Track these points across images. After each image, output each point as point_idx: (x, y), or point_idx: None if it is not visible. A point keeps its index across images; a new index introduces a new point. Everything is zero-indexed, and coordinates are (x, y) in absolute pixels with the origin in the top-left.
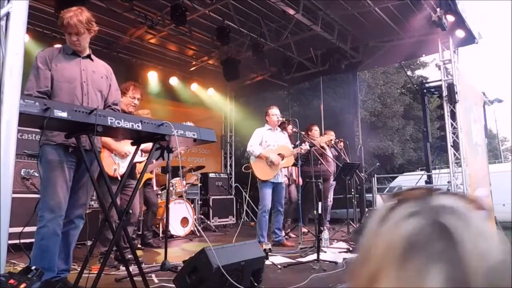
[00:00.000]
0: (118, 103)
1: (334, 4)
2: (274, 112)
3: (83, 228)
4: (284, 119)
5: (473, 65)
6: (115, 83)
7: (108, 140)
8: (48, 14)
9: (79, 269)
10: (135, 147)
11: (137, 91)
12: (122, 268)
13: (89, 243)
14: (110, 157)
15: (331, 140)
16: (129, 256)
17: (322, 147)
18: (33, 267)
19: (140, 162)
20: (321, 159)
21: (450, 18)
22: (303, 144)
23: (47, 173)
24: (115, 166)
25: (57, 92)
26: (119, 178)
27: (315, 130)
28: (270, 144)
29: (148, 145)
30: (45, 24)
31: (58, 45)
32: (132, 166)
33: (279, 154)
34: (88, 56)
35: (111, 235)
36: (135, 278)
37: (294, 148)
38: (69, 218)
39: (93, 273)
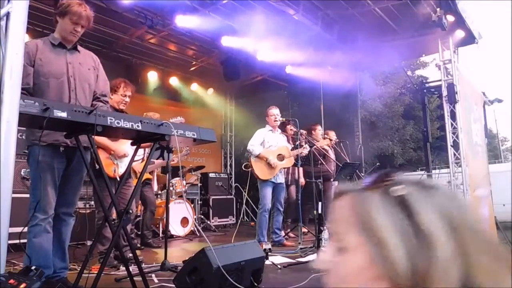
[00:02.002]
0: (106, 95)
1: (334, 4)
2: (273, 113)
3: (83, 228)
4: (284, 119)
5: (473, 65)
6: (103, 73)
7: (105, 141)
8: (48, 14)
9: (79, 269)
10: (133, 148)
11: (128, 89)
12: (122, 268)
13: (89, 243)
14: (108, 158)
15: (332, 140)
16: (129, 255)
17: (324, 149)
18: (33, 267)
19: (137, 161)
20: (321, 159)
21: (450, 18)
22: (303, 148)
23: (39, 173)
24: (114, 167)
25: (44, 88)
26: (118, 179)
27: (318, 130)
28: (272, 145)
29: None
30: (45, 24)
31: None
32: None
33: (279, 155)
34: (74, 48)
35: (109, 234)
36: (135, 278)
37: (294, 148)
38: (59, 216)
39: (93, 273)
